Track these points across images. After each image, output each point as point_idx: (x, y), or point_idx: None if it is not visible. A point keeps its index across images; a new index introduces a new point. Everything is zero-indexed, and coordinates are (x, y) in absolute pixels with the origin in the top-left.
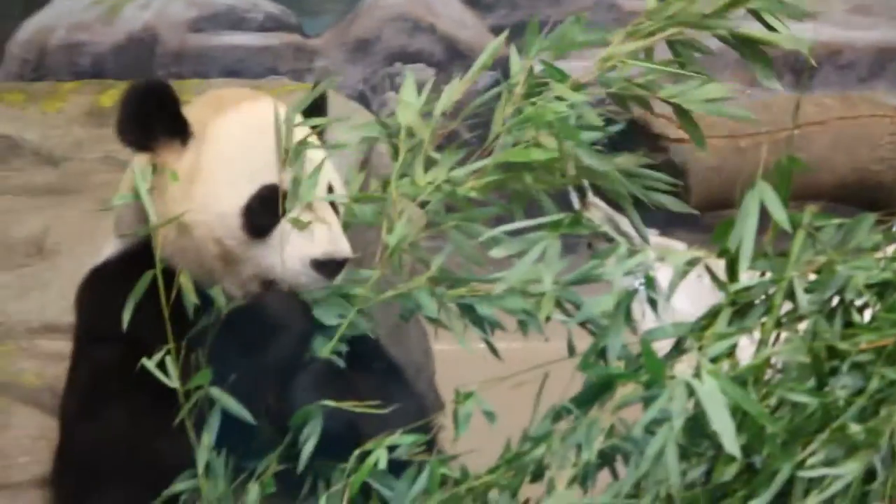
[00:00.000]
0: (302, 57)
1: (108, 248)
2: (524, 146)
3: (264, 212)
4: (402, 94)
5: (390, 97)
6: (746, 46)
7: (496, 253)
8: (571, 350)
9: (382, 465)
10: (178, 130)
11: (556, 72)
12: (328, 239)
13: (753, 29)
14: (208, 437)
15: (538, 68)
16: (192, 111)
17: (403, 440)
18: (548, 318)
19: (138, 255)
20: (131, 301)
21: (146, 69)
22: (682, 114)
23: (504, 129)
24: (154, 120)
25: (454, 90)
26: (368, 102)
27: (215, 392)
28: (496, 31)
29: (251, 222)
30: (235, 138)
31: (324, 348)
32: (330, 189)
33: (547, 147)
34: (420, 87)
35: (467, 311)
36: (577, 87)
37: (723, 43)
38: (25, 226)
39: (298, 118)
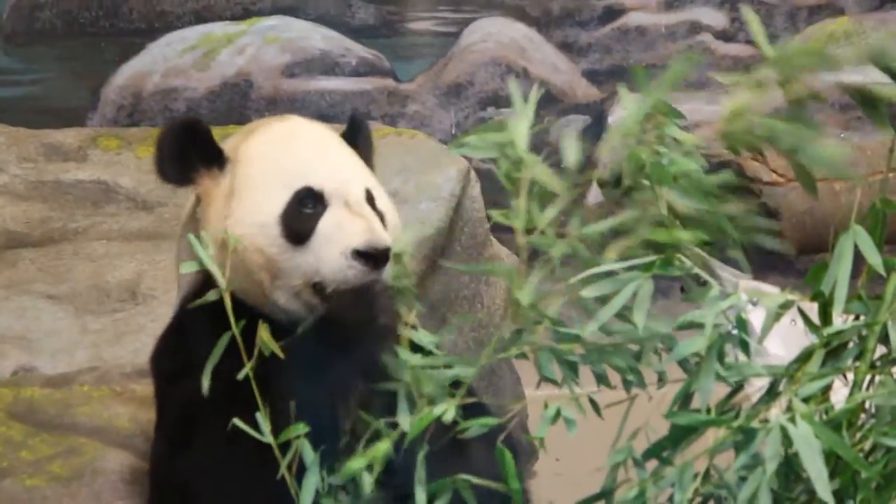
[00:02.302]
0: (395, 101)
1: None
2: (670, 228)
3: (301, 216)
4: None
5: None
6: (867, 102)
7: (588, 293)
8: (662, 380)
9: (449, 417)
10: (214, 159)
11: (673, 111)
12: (367, 229)
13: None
14: (308, 493)
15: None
16: (227, 141)
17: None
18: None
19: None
20: (210, 363)
21: (240, 114)
22: (800, 168)
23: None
24: (190, 154)
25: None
26: None
27: (306, 448)
28: (589, 75)
29: (290, 228)
30: (266, 152)
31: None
32: (369, 194)
33: (676, 205)
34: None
35: (569, 367)
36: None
37: (846, 93)
38: (119, 271)
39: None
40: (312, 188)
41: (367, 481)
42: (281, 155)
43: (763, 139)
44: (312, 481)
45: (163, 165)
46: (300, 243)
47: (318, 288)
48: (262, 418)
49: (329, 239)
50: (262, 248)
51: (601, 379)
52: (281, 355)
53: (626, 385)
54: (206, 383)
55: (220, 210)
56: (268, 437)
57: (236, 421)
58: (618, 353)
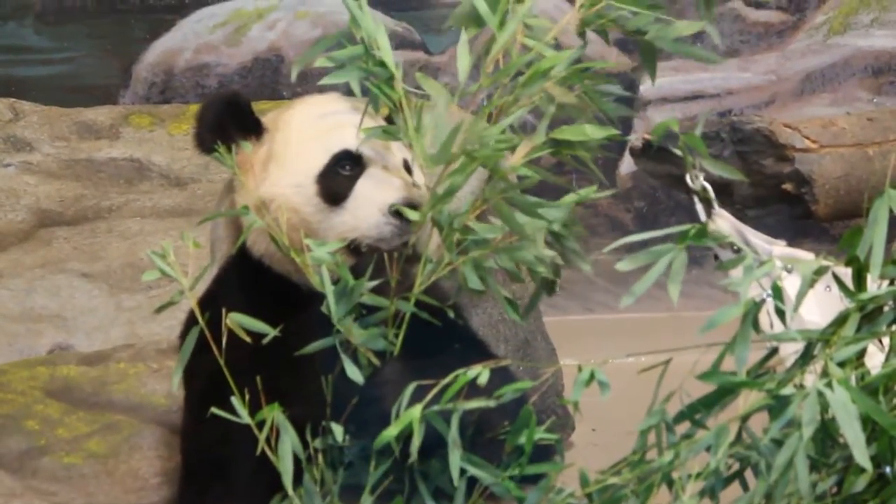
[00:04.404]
0: (426, 74)
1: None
2: (577, 124)
3: (339, 178)
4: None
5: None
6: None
7: (622, 266)
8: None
9: (483, 381)
10: (253, 130)
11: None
12: (405, 186)
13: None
14: (286, 462)
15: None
16: (267, 115)
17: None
18: None
19: (232, 270)
20: (182, 357)
21: (272, 89)
22: (647, 50)
23: (517, 85)
24: (230, 126)
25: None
26: (524, 127)
27: (280, 419)
28: (619, 43)
29: (327, 188)
30: (306, 120)
31: (376, 341)
32: (406, 164)
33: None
34: None
35: (479, 269)
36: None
37: None
38: (153, 248)
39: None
40: (351, 151)
41: (338, 431)
42: (320, 121)
43: (613, 22)
44: (287, 457)
45: (201, 137)
46: (336, 203)
47: (351, 247)
48: (239, 405)
49: (367, 197)
50: (297, 207)
51: (514, 276)
52: (247, 339)
53: (534, 276)
54: (175, 380)
55: (257, 175)
56: (246, 419)
57: (214, 411)
58: (524, 248)
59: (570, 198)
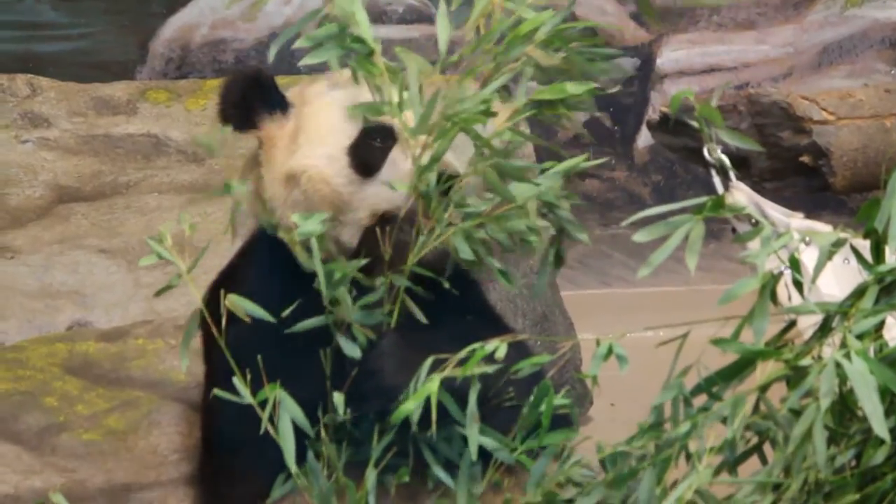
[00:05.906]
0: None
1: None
2: (558, 83)
3: (371, 149)
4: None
5: (531, 86)
6: None
7: (639, 237)
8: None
9: (500, 355)
10: (277, 105)
11: None
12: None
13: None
14: (289, 442)
15: None
16: (291, 90)
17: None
18: None
19: (256, 244)
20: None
21: (289, 64)
22: None
23: (498, 50)
24: (254, 101)
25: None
26: (509, 91)
27: (284, 398)
28: (637, 17)
29: (358, 160)
30: (335, 94)
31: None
32: None
33: (551, 59)
34: None
35: (472, 240)
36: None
37: None
38: (171, 223)
39: None
40: (382, 123)
41: (339, 402)
42: (349, 93)
43: None
44: (287, 437)
45: (226, 113)
46: (369, 175)
47: (386, 217)
48: (241, 384)
49: (400, 168)
50: (328, 179)
51: (506, 247)
52: (246, 319)
53: (526, 245)
54: (184, 363)
55: (284, 148)
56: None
57: (217, 392)
58: (515, 217)
59: (561, 166)
